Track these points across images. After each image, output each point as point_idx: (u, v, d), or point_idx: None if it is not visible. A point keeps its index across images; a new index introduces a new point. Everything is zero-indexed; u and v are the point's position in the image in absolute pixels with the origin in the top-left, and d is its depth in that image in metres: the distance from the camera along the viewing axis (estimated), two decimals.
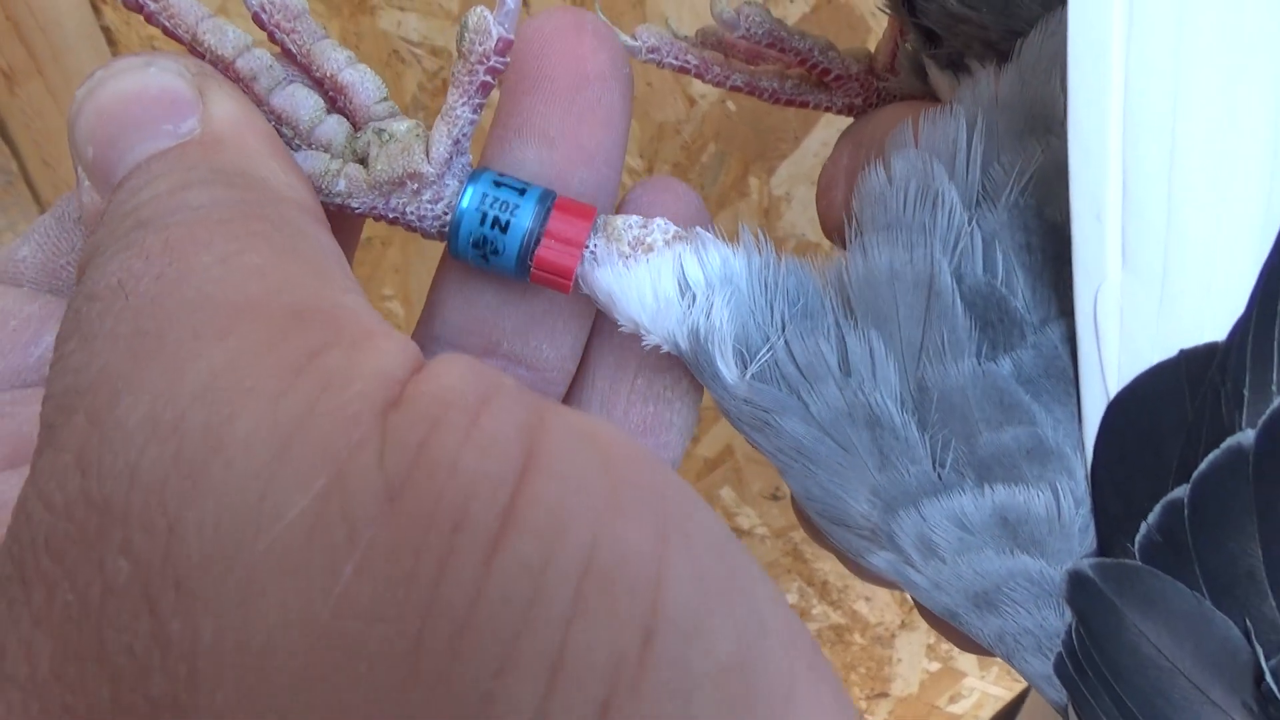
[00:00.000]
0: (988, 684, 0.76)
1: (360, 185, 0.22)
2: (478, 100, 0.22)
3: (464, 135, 0.22)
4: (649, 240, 0.22)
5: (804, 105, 0.27)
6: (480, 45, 0.21)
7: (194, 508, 0.13)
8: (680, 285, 0.22)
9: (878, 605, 0.74)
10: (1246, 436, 0.18)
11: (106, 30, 0.77)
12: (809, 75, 0.27)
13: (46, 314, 0.21)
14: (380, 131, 0.22)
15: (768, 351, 0.22)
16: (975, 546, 0.21)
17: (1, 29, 0.73)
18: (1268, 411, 0.18)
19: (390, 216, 0.22)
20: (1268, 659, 0.19)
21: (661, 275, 0.22)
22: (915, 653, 0.76)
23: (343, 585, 0.12)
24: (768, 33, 0.26)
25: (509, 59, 0.21)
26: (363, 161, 0.22)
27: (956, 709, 0.79)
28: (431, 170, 0.22)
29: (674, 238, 0.23)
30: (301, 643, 0.12)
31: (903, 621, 0.74)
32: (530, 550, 0.13)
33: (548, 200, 0.22)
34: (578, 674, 0.12)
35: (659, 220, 0.23)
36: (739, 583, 0.14)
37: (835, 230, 0.26)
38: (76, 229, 0.21)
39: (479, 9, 0.21)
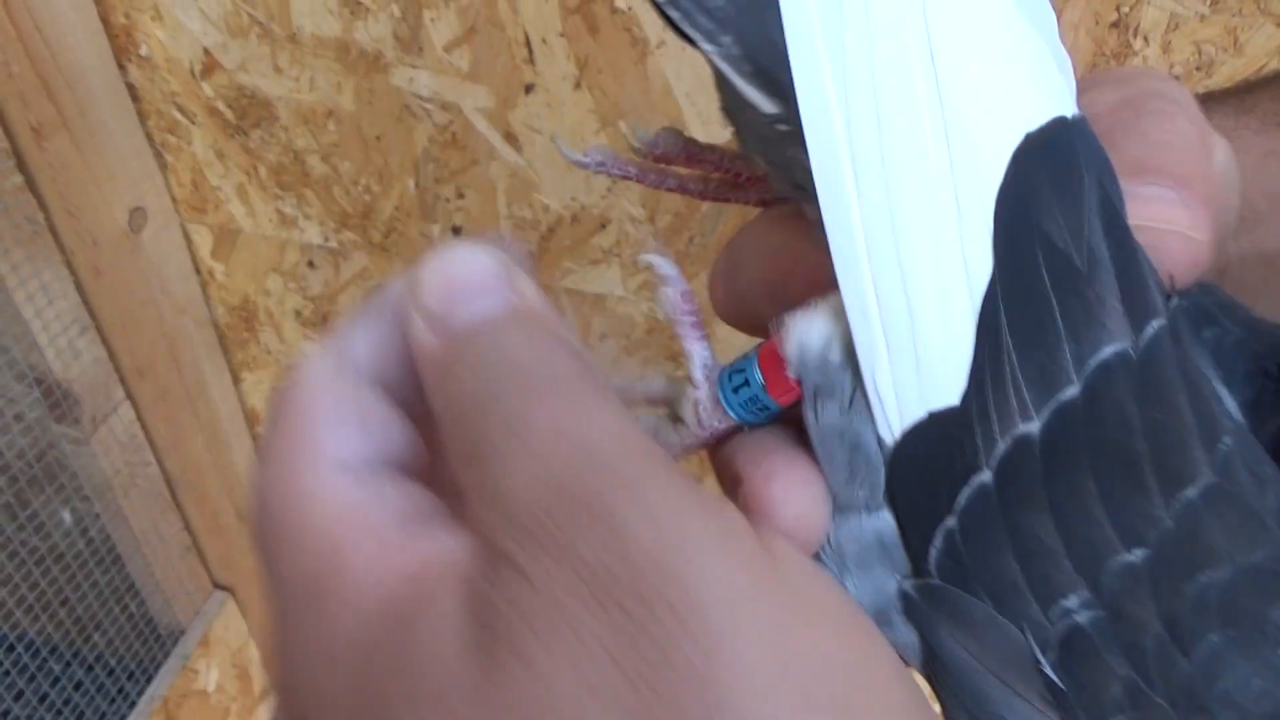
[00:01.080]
0: None
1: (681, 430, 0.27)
2: (699, 334, 0.27)
3: (706, 362, 0.27)
4: None
5: (726, 200, 0.31)
6: (673, 313, 0.26)
7: None
8: None
9: None
10: (986, 475, 0.23)
11: (131, 87, 0.80)
12: (727, 177, 0.30)
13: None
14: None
15: None
16: (868, 563, 0.25)
17: (31, 87, 0.76)
18: (997, 456, 0.22)
19: (707, 437, 0.27)
20: (1043, 653, 0.22)
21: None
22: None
23: None
24: (682, 149, 0.31)
25: (695, 302, 0.26)
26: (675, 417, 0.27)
27: None
28: (701, 394, 0.27)
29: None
30: None
31: None
32: None
33: (755, 355, 0.27)
34: None
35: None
36: None
37: (730, 317, 0.30)
38: (392, 321, 0.24)
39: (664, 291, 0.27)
